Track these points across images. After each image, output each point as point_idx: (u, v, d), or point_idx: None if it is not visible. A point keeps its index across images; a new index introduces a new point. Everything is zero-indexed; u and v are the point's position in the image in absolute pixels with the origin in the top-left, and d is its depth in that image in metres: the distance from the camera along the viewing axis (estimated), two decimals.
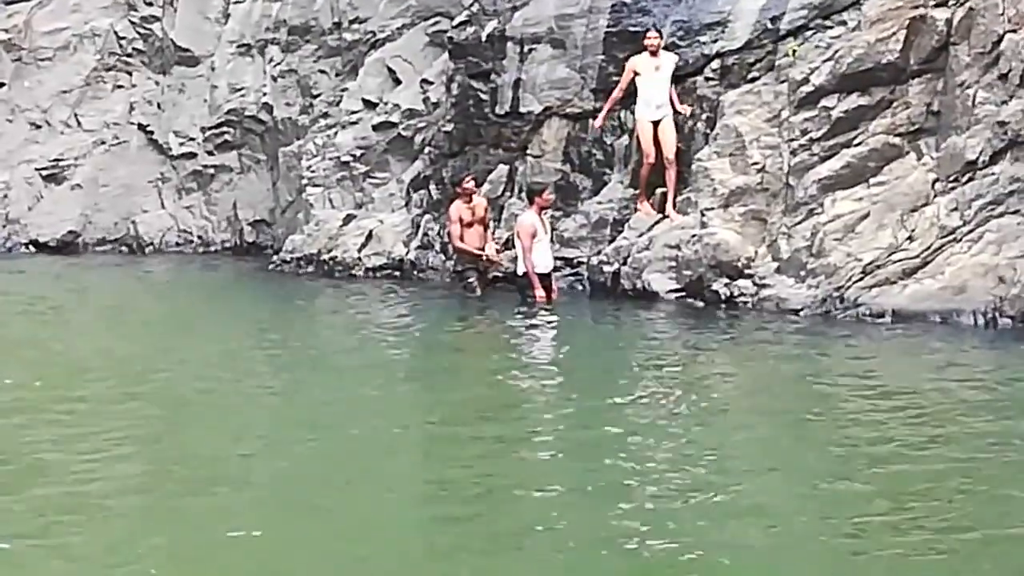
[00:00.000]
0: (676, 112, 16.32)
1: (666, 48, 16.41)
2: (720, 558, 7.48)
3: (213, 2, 22.40)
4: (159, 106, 22.29)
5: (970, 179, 14.48)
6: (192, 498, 8.65)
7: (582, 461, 9.59)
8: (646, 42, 16.33)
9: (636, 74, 16.35)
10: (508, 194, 17.78)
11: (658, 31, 16.40)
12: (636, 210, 16.41)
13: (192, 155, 21.80)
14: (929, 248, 14.44)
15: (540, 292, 15.87)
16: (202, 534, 7.96)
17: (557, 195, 16.98)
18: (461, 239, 16.71)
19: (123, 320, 16.16)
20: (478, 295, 16.54)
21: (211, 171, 21.68)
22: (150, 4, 22.74)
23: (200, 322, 15.94)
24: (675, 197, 16.14)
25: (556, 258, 16.40)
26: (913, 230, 14.63)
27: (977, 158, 14.43)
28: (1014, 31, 14.37)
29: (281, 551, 7.69)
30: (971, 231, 14.30)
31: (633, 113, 16.70)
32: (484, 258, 16.70)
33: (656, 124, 16.25)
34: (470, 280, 16.65)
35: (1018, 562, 7.44)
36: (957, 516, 8.13)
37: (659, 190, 16.34)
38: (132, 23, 22.80)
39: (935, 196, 14.68)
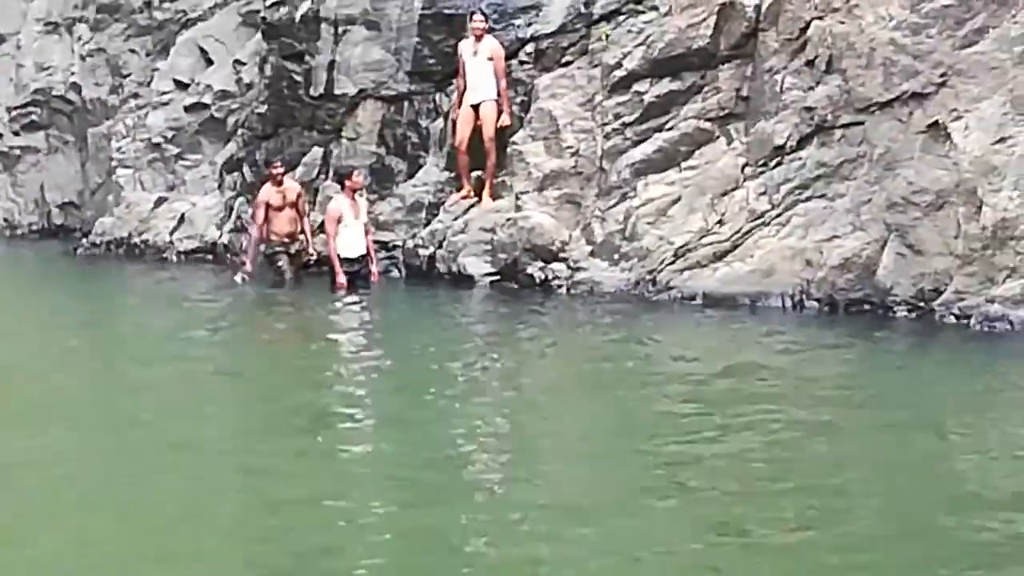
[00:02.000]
0: (500, 96, 16.16)
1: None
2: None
3: None
4: None
5: (778, 163, 14.69)
6: None
7: (394, 449, 9.55)
8: (472, 25, 16.24)
9: (462, 60, 16.27)
10: (323, 177, 17.59)
11: (484, 15, 16.26)
12: (464, 197, 16.27)
13: None
14: (738, 232, 14.63)
15: (341, 279, 15.72)
16: None
17: (372, 178, 16.87)
18: (266, 223, 16.47)
19: None
20: (288, 279, 16.35)
21: (17, 152, 21.15)
22: None
23: None
24: (492, 181, 16.12)
25: (375, 242, 16.26)
26: (723, 214, 14.81)
27: (785, 143, 14.64)
28: (820, 18, 14.59)
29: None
30: (779, 215, 14.52)
31: (448, 96, 16.66)
32: (289, 241, 16.50)
33: (476, 108, 16.18)
34: (279, 264, 16.46)
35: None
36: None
37: (475, 173, 16.31)
38: None
39: (744, 180, 14.87)
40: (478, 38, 16.18)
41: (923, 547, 7.37)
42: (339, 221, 15.87)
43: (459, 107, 16.39)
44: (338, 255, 15.79)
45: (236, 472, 9.03)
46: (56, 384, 11.39)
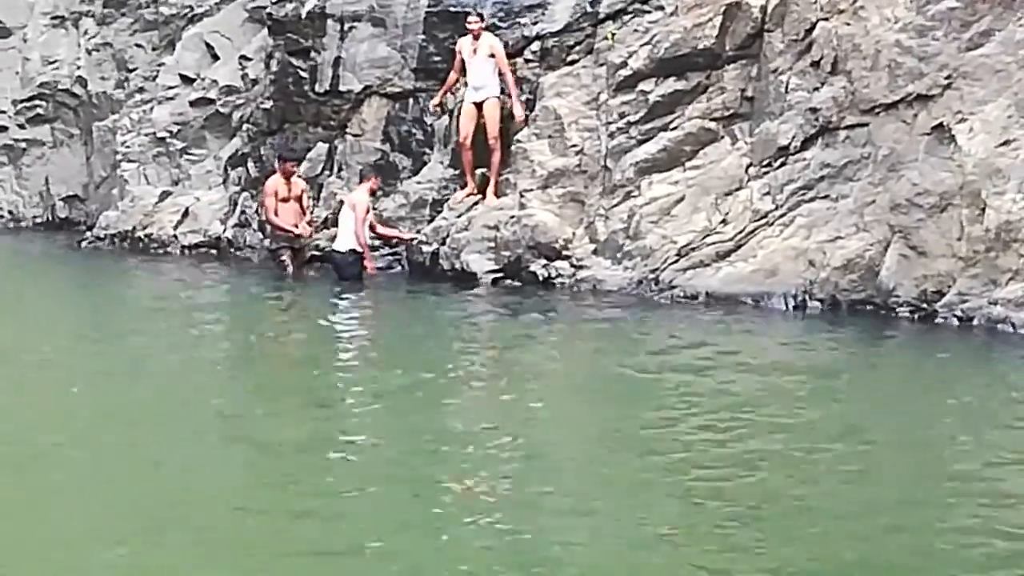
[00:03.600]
0: (504, 95, 16.16)
1: (487, 29, 16.38)
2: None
3: None
4: None
5: (782, 164, 14.71)
6: None
7: (395, 446, 9.57)
8: (468, 25, 16.23)
9: (462, 56, 16.28)
10: (327, 173, 17.63)
11: (479, 14, 16.28)
12: (470, 195, 16.21)
13: (3, 128, 21.23)
14: (742, 231, 14.65)
15: (373, 264, 16.01)
16: None
17: (382, 171, 16.90)
18: (275, 214, 16.53)
19: None
20: (290, 273, 16.38)
21: (23, 145, 21.14)
22: None
23: None
24: (496, 179, 16.13)
25: (374, 237, 16.34)
26: (727, 214, 14.83)
27: (789, 143, 14.66)
28: (826, 19, 14.61)
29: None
30: (783, 215, 14.54)
31: (454, 94, 16.68)
32: (296, 235, 16.54)
33: (479, 106, 16.18)
34: (283, 259, 16.48)
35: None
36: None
37: (479, 171, 16.32)
38: None
39: (748, 180, 14.90)
40: (476, 36, 16.17)
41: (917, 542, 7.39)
42: (368, 211, 16.01)
43: (441, 98, 16.54)
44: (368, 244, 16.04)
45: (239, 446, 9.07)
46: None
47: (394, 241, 16.40)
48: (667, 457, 8.93)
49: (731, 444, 9.29)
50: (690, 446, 9.30)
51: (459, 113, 16.42)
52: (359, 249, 16.04)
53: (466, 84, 16.34)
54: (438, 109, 16.74)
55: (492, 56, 16.14)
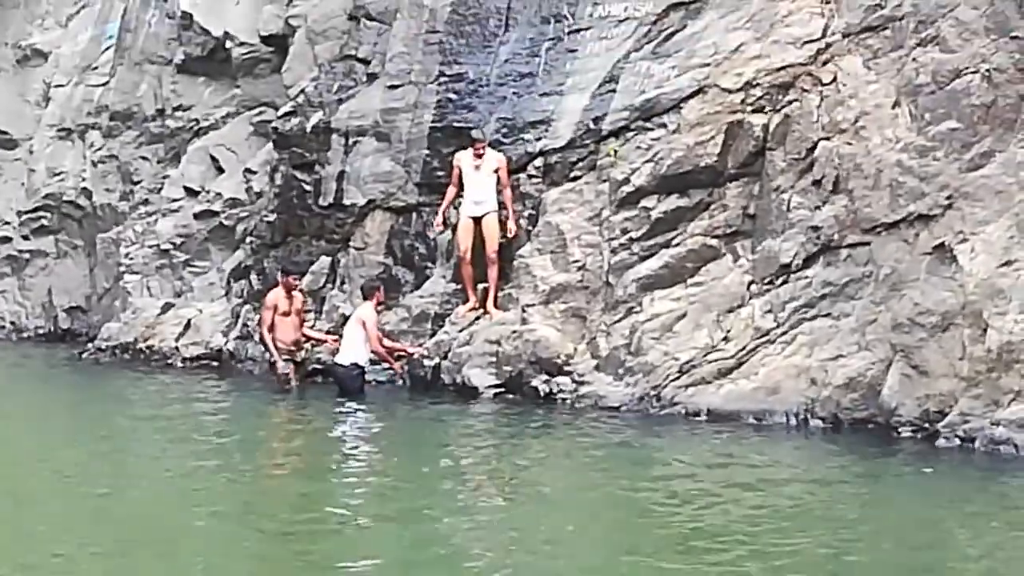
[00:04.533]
0: (503, 208, 16.33)
1: (490, 145, 16.50)
2: None
3: (33, 85, 22.10)
4: None
5: (784, 282, 14.74)
6: None
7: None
8: (474, 146, 16.35)
9: (460, 170, 16.42)
10: (330, 286, 17.68)
11: (482, 132, 16.48)
12: (472, 310, 16.26)
13: (7, 239, 21.40)
14: (744, 349, 14.64)
15: (400, 365, 16.23)
16: None
17: (384, 286, 16.92)
18: (272, 328, 16.52)
19: None
20: (293, 387, 16.35)
21: (26, 256, 21.28)
22: None
23: None
24: (496, 293, 16.16)
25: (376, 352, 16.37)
26: (729, 331, 14.83)
27: (791, 261, 14.70)
28: (828, 139, 14.71)
29: None
30: (784, 333, 14.53)
31: (458, 209, 16.78)
32: (288, 351, 16.52)
33: (477, 220, 16.29)
34: (285, 373, 16.45)
35: None
36: None
37: (480, 286, 16.36)
38: None
39: (750, 298, 14.92)
40: (478, 154, 16.31)
41: None
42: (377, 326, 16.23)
43: (444, 214, 16.61)
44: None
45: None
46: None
47: (396, 355, 16.39)
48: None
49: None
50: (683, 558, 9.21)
51: (457, 227, 16.50)
52: (362, 364, 16.06)
53: (462, 197, 16.44)
54: (441, 226, 16.79)
55: (496, 171, 16.24)
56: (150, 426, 14.61)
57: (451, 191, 16.58)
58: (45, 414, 15.44)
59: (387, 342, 16.34)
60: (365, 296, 16.47)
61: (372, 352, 16.13)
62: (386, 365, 16.42)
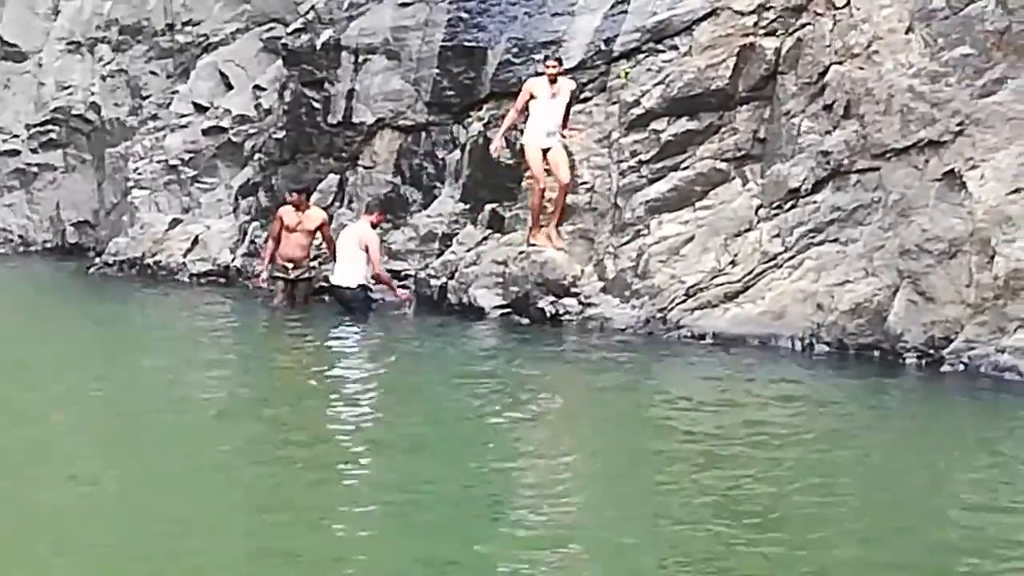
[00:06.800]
0: (563, 137, 15.79)
1: (500, 65, 16.37)
2: None
3: None
4: None
5: (792, 207, 14.71)
6: None
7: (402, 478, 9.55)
8: (545, 69, 15.73)
9: (532, 97, 15.73)
10: (338, 204, 17.65)
11: (558, 60, 15.81)
12: (530, 243, 15.64)
13: (15, 152, 21.31)
14: (751, 273, 14.63)
15: (403, 291, 16.16)
16: None
17: (387, 207, 16.90)
18: (274, 240, 16.53)
19: None
20: (276, 306, 16.31)
21: (34, 169, 21.21)
22: None
23: None
24: (558, 224, 15.64)
25: (387, 270, 16.32)
26: (736, 255, 14.82)
27: (800, 186, 14.66)
28: (840, 63, 14.63)
29: None
30: (792, 258, 14.52)
31: (466, 128, 16.69)
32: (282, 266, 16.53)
33: (545, 152, 15.69)
34: (261, 285, 16.60)
35: None
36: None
37: (489, 206, 16.27)
38: None
39: (758, 222, 14.89)
40: (552, 80, 15.67)
41: None
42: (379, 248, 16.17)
43: (502, 137, 15.98)
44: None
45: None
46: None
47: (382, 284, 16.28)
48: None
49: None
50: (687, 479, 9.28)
51: (527, 158, 15.80)
52: (368, 284, 16.03)
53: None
54: (500, 149, 16.13)
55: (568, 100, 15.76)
56: (155, 340, 14.69)
57: (513, 115, 15.87)
58: (57, 327, 15.46)
59: (383, 272, 16.17)
60: (366, 211, 16.38)
61: (373, 277, 16.05)
62: (395, 283, 16.38)
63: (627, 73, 15.86)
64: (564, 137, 15.83)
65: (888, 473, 9.88)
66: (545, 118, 15.70)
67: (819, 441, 10.61)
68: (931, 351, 13.41)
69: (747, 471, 9.53)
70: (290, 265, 16.49)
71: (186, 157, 19.16)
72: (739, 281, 14.65)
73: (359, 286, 16.02)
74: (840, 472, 9.78)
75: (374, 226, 16.25)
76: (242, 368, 13.61)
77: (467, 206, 16.60)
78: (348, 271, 16.07)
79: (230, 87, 19.34)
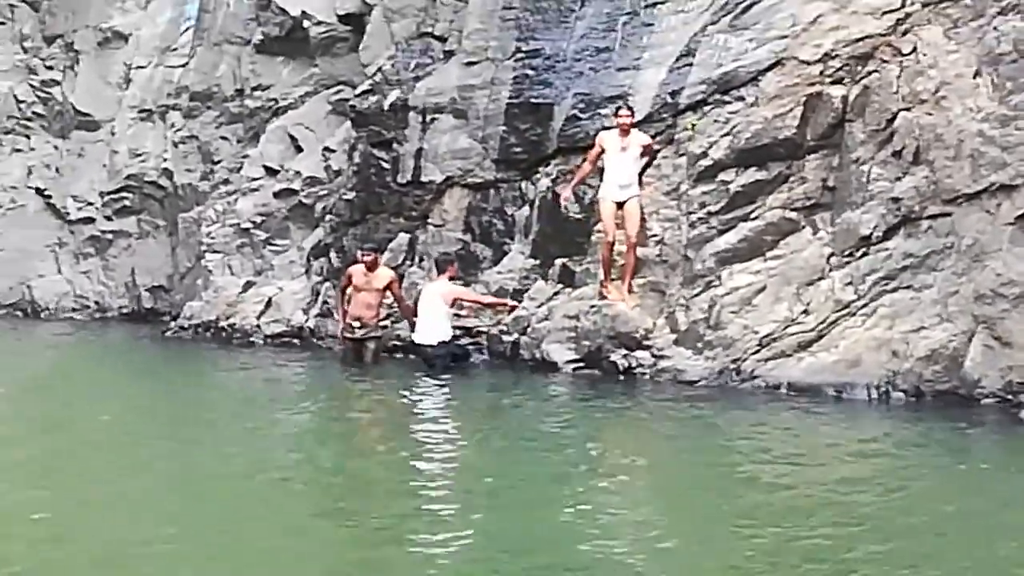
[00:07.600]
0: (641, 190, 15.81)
1: (567, 121, 16.48)
2: None
3: (114, 67, 22.32)
4: (57, 170, 22.13)
5: (864, 254, 14.66)
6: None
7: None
8: (617, 120, 15.82)
9: (603, 151, 15.84)
10: (408, 263, 17.77)
11: (630, 109, 15.86)
12: (602, 296, 15.75)
13: (90, 220, 21.64)
14: (824, 321, 14.58)
15: (510, 301, 16.40)
16: None
17: (458, 264, 17.00)
18: (344, 300, 16.72)
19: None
20: (350, 363, 16.44)
21: (109, 236, 21.52)
22: (50, 68, 22.62)
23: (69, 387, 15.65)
24: (631, 280, 15.67)
25: (455, 328, 16.42)
26: (808, 303, 14.78)
27: (871, 233, 14.62)
28: (908, 109, 14.60)
29: None
30: (865, 305, 14.46)
31: (535, 184, 16.78)
32: (348, 326, 16.65)
33: (620, 205, 15.72)
34: (343, 348, 16.78)
35: None
36: None
37: (559, 261, 16.35)
38: (32, 87, 22.66)
39: (830, 270, 14.85)
40: (625, 132, 15.73)
41: None
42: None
43: (574, 188, 16.09)
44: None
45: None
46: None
47: (486, 308, 16.51)
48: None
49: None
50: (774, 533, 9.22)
51: (599, 211, 15.89)
52: (447, 340, 16.14)
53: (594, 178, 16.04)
54: (569, 201, 16.28)
55: (643, 154, 15.83)
56: (234, 400, 14.79)
57: (586, 167, 15.98)
58: (135, 391, 15.60)
59: (487, 299, 16.52)
60: (440, 270, 16.55)
61: (485, 305, 16.41)
62: (467, 340, 16.46)
63: (694, 125, 15.90)
64: (642, 189, 15.82)
65: (982, 531, 9.75)
66: (616, 171, 15.74)
67: (899, 491, 10.50)
68: (1009, 396, 13.30)
69: (838, 524, 9.44)
70: (356, 324, 16.63)
71: (258, 220, 19.38)
72: (813, 330, 14.60)
73: (439, 343, 16.15)
74: (930, 527, 9.65)
75: (451, 280, 16.43)
76: (319, 428, 13.67)
77: (537, 261, 16.68)
78: (430, 329, 16.20)
79: (300, 150, 19.57)
